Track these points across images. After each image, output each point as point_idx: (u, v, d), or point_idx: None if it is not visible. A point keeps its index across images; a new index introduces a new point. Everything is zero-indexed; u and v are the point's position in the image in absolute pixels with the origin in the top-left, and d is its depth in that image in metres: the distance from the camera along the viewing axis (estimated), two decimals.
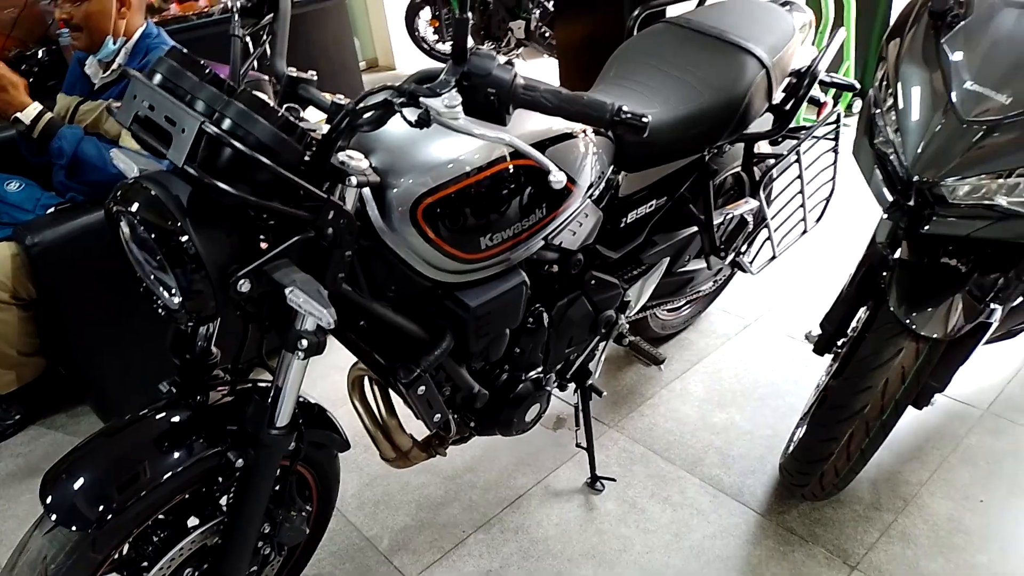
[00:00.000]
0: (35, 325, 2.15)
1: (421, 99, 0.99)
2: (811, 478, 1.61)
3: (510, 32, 4.97)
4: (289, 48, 1.34)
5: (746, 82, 1.72)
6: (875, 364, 1.45)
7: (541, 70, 5.07)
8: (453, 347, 1.35)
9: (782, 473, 1.75)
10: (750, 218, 2.04)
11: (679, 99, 1.69)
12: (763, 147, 2.06)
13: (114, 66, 2.07)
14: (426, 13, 5.68)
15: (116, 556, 1.22)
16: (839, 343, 1.72)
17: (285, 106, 1.14)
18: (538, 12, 4.64)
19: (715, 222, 1.91)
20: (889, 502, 1.78)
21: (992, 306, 1.45)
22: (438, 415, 1.39)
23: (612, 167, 1.60)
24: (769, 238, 2.08)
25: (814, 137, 1.96)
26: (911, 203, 1.32)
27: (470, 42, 1.00)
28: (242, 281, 1.01)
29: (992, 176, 1.25)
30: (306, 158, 1.05)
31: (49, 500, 1.10)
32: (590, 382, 1.84)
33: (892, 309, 1.43)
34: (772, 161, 1.96)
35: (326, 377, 2.23)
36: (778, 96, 1.89)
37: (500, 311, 1.35)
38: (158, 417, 1.23)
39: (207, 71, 1.01)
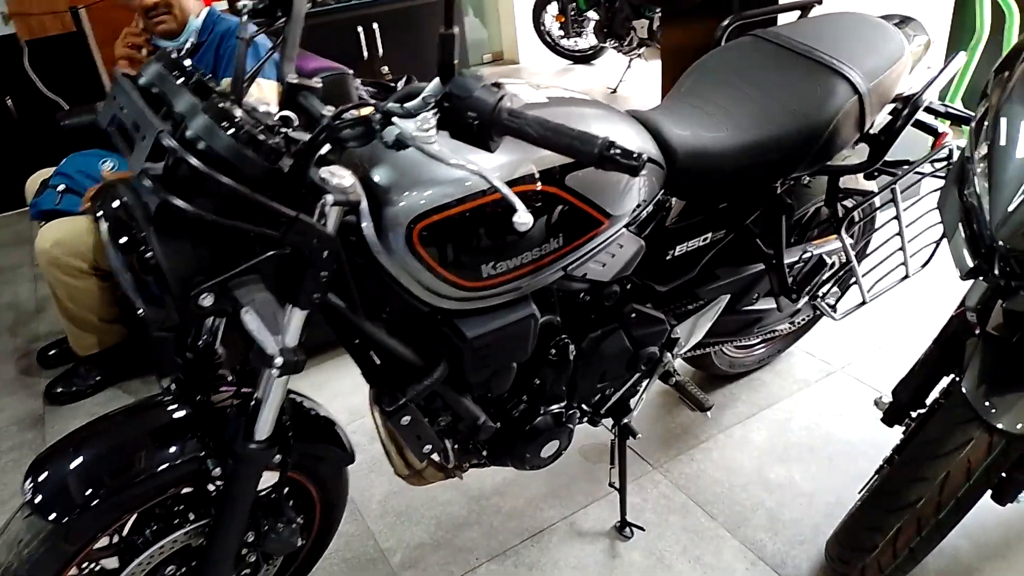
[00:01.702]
0: (114, 295, 2.27)
1: (395, 120, 0.91)
2: (853, 569, 1.41)
3: (633, 31, 4.78)
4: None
5: (832, 108, 1.52)
6: (938, 452, 1.23)
7: (659, 72, 4.85)
8: (453, 376, 1.27)
9: (826, 554, 1.54)
10: (832, 259, 1.82)
11: (752, 122, 1.51)
12: (862, 182, 1.84)
13: (188, 45, 2.16)
14: (553, 8, 5.59)
15: (101, 544, 1.24)
16: (913, 414, 1.49)
17: (279, 114, 1.10)
18: (661, 12, 4.43)
19: (787, 260, 1.71)
20: None
21: None
22: (428, 446, 1.32)
23: (663, 191, 1.45)
24: (857, 281, 1.85)
25: (919, 173, 1.71)
26: (995, 272, 1.10)
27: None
28: (204, 295, 0.97)
29: None
30: (285, 172, 1.00)
31: (29, 486, 1.12)
32: (627, 420, 1.71)
33: (965, 389, 1.21)
34: (862, 198, 1.73)
35: None
36: (879, 125, 1.67)
37: (502, 344, 1.26)
38: (149, 414, 1.24)
39: (193, 77, 0.98)
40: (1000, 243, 1.06)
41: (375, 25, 3.71)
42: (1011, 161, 1.11)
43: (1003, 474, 1.33)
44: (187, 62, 1.04)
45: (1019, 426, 1.17)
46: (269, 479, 1.29)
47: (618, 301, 1.50)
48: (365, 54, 3.76)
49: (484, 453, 1.52)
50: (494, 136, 0.92)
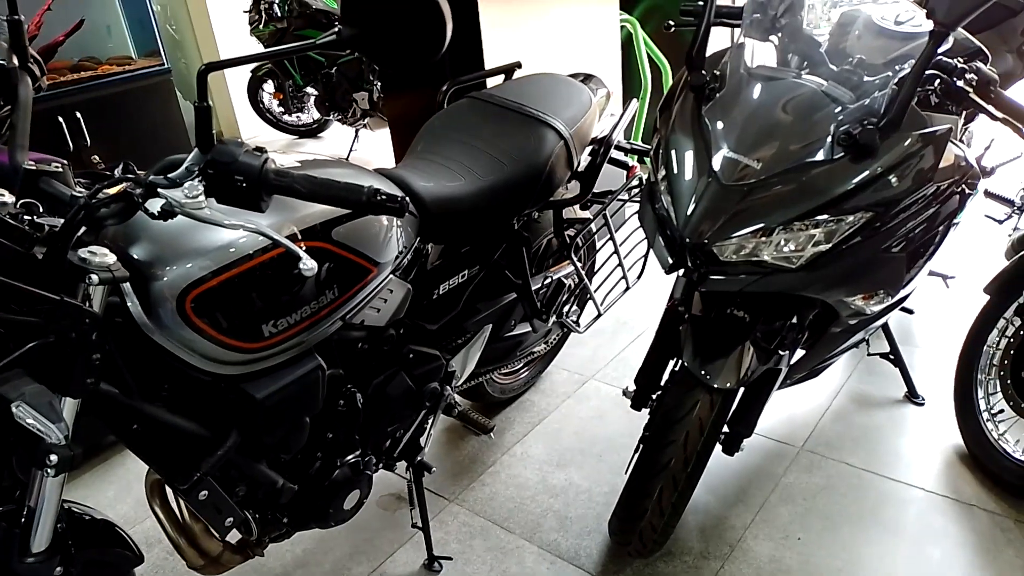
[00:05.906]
0: None
1: (160, 190, 0.94)
2: (632, 536, 1.63)
3: (355, 103, 4.98)
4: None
5: (546, 153, 1.78)
6: (677, 417, 1.50)
7: (386, 140, 5.10)
8: (246, 442, 1.27)
9: (610, 532, 1.76)
10: (570, 280, 2.10)
11: (483, 171, 1.72)
12: (580, 212, 2.14)
13: None
14: (269, 86, 5.62)
15: None
16: (653, 396, 1.77)
17: (21, 202, 1.06)
18: (379, 84, 4.68)
19: (534, 287, 1.95)
20: (716, 549, 1.82)
21: (780, 352, 1.55)
22: (229, 519, 1.30)
23: (419, 239, 1.60)
24: (590, 297, 2.14)
25: (620, 200, 2.05)
26: (688, 264, 1.39)
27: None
28: None
29: (755, 235, 1.34)
30: (39, 258, 0.97)
31: None
32: (419, 458, 1.80)
33: (686, 363, 1.49)
34: (581, 226, 2.03)
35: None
36: (584, 164, 1.98)
37: (292, 400, 1.29)
38: None
39: None
40: (687, 240, 1.35)
41: (78, 114, 3.48)
42: (683, 178, 1.42)
43: (727, 429, 1.64)
44: None
45: (728, 384, 1.47)
46: None
47: (395, 344, 1.60)
48: (71, 145, 3.50)
49: (285, 520, 1.51)
50: (264, 196, 0.99)
